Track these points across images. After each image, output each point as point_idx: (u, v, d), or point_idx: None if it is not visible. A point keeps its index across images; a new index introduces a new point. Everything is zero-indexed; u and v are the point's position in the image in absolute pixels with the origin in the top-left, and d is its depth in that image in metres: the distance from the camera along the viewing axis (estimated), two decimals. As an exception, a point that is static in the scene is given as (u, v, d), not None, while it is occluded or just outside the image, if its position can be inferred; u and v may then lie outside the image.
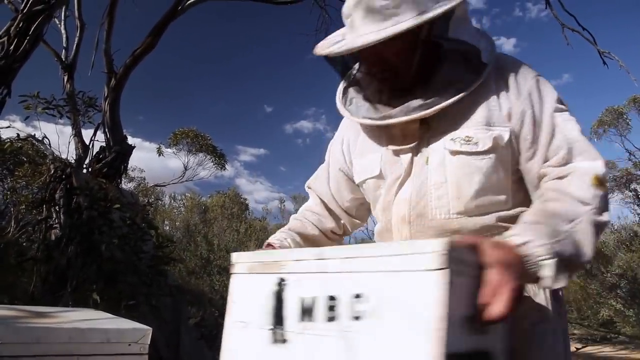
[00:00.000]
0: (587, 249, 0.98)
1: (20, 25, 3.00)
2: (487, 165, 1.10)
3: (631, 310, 4.29)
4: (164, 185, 11.89)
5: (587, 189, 1.03)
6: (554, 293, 1.13)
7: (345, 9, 1.15)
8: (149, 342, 1.19)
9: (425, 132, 1.16)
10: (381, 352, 0.81)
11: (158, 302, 3.96)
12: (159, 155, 10.44)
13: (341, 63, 1.28)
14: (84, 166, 5.19)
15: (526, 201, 1.15)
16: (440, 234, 1.11)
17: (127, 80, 5.37)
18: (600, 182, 1.04)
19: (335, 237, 1.50)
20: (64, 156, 5.61)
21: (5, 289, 3.85)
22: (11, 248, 4.45)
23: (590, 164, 1.07)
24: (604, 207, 1.03)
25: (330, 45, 1.18)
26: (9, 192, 6.56)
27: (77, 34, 5.89)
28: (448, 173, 1.12)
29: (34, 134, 5.45)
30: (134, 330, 1.17)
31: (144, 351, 1.17)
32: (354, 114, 1.23)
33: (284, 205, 19.29)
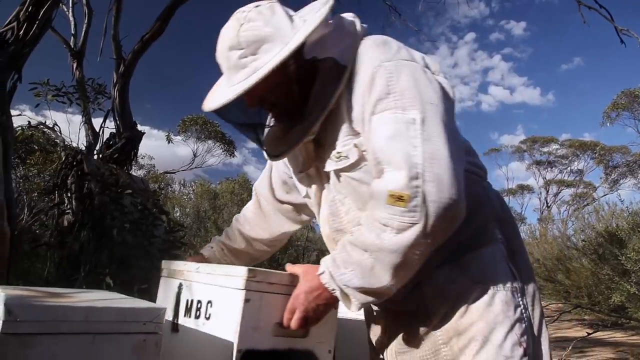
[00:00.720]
0: (381, 276, 1.00)
1: (29, 10, 2.99)
2: (362, 175, 1.12)
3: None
4: (174, 172, 11.97)
5: (382, 210, 0.99)
6: (513, 256, 1.17)
7: (217, 58, 1.21)
8: (163, 322, 1.19)
9: (322, 152, 1.19)
10: (215, 347, 1.19)
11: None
12: (169, 142, 10.47)
13: (232, 111, 1.29)
14: (95, 152, 5.21)
15: None
16: None
17: (136, 66, 5.35)
18: (397, 197, 0.97)
19: (262, 248, 1.67)
20: (74, 144, 5.65)
21: (20, 275, 3.90)
22: (25, 235, 4.50)
23: (389, 178, 1.00)
24: (401, 225, 0.96)
25: (208, 99, 1.24)
26: (21, 180, 6.63)
27: (85, 21, 5.88)
28: (343, 189, 1.17)
29: (45, 122, 5.48)
30: (150, 310, 1.17)
31: (159, 330, 1.17)
32: (266, 153, 1.32)
33: (293, 192, 19.30)
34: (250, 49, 1.09)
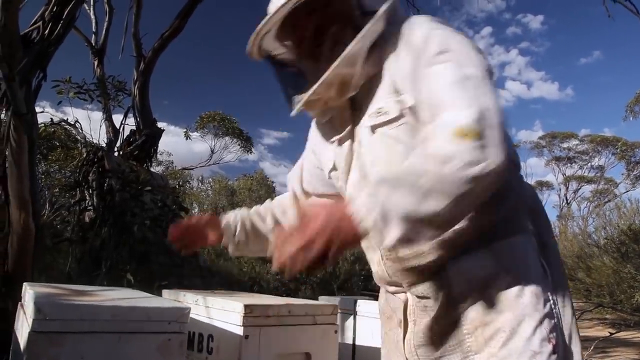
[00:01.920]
0: (437, 203, 0.90)
1: (54, 10, 3.03)
2: (401, 132, 1.06)
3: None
4: (192, 169, 12.06)
5: (445, 145, 0.92)
6: (544, 249, 1.11)
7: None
8: (187, 321, 1.20)
9: (357, 116, 1.14)
10: None
11: (189, 283, 4.03)
12: (187, 138, 10.56)
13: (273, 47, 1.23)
14: (115, 149, 5.28)
15: None
16: None
17: (155, 63, 5.41)
18: (464, 134, 0.92)
19: None
20: (95, 141, 5.74)
21: (43, 270, 3.98)
22: (47, 230, 4.59)
23: (452, 116, 0.95)
24: (469, 159, 0.90)
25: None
26: (43, 176, 6.76)
27: (107, 19, 5.95)
28: (376, 149, 1.10)
29: (66, 119, 5.57)
30: (174, 309, 1.18)
31: (183, 330, 1.18)
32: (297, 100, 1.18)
33: (309, 188, 19.33)
34: None
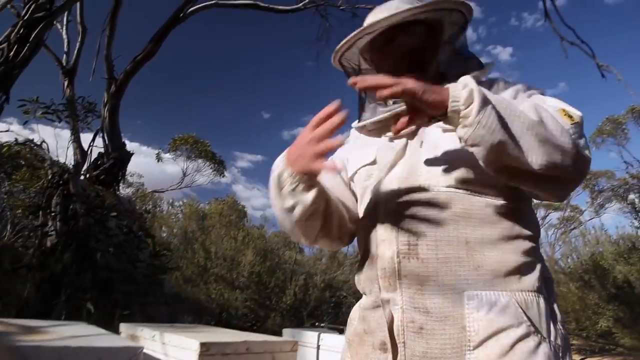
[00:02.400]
0: (527, 137, 0.93)
1: (20, 32, 2.99)
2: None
3: (629, 320, 4.27)
4: (163, 192, 11.88)
5: (559, 118, 0.97)
6: (546, 303, 1.02)
7: (366, 23, 1.17)
8: (141, 361, 1.16)
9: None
10: None
11: (153, 311, 3.92)
12: (158, 161, 10.44)
13: (354, 61, 1.25)
14: (82, 172, 5.17)
15: (523, 201, 1.08)
16: (428, 204, 1.03)
17: (127, 86, 5.36)
18: (569, 115, 0.98)
19: (342, 221, 1.25)
20: (62, 160, 5.60)
21: (1, 295, 3.82)
22: (7, 252, 4.42)
23: (557, 102, 1.03)
24: (572, 133, 0.94)
25: (378, 14, 1.17)
26: (6, 196, 6.54)
27: (79, 39, 5.89)
28: (440, 149, 1.08)
29: (33, 138, 5.43)
30: (126, 349, 1.15)
31: (135, 371, 1.14)
32: (366, 118, 1.20)
33: (283, 213, 19.23)
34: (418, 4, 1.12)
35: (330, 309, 6.74)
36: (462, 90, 0.92)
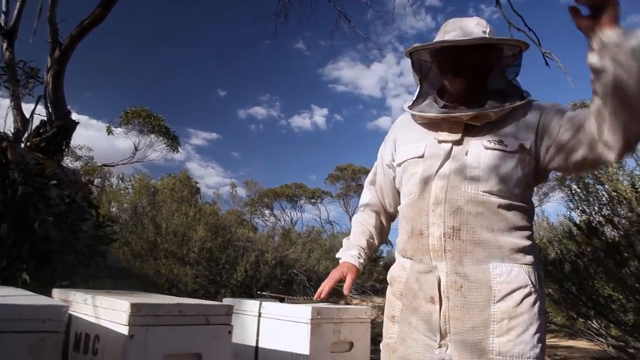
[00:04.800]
0: None
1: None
2: (512, 161, 1.45)
3: (559, 298, 4.57)
4: (113, 166, 11.49)
5: None
6: (537, 272, 1.48)
7: (445, 30, 1.55)
8: (65, 320, 1.14)
9: (466, 132, 1.50)
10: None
11: (96, 284, 3.82)
12: (109, 134, 10.06)
13: (427, 63, 1.62)
14: (22, 140, 4.91)
15: (529, 202, 1.49)
16: (469, 202, 1.43)
17: (72, 52, 5.10)
18: None
19: (386, 235, 1.87)
20: (0, 130, 5.29)
21: None
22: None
23: None
24: None
25: (435, 43, 1.53)
26: (-61, 165, 6.12)
27: (20, -1, 5.54)
28: (482, 162, 1.45)
29: (-33, 104, 5.10)
30: (49, 307, 1.12)
31: (59, 329, 1.12)
32: (425, 110, 1.56)
33: (236, 191, 19.06)
34: (488, 30, 1.50)
35: (280, 286, 6.80)
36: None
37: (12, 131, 5.21)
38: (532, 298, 1.40)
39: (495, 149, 1.45)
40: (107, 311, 1.28)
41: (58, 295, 1.62)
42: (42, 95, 5.06)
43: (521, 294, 1.39)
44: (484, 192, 1.42)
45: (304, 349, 1.65)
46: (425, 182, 1.49)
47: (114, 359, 1.23)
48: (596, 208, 4.40)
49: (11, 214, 3.62)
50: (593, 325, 4.79)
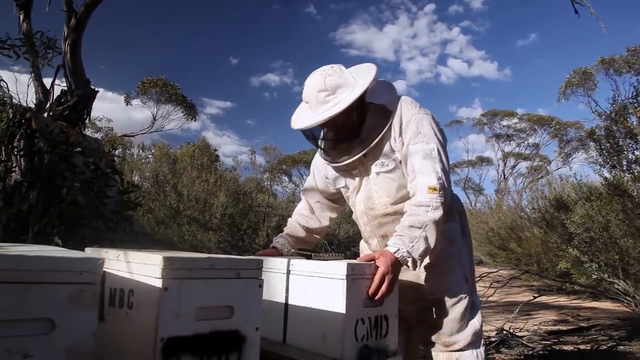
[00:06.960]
0: (433, 239, 1.75)
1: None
2: (395, 176, 1.96)
3: (586, 257, 4.51)
4: (133, 136, 11.61)
5: (424, 197, 1.79)
6: (463, 229, 2.09)
7: (304, 97, 1.94)
8: (102, 272, 1.16)
9: (365, 162, 2.01)
10: (138, 336, 1.26)
11: (124, 249, 3.90)
12: (127, 104, 10.13)
13: (310, 131, 2.05)
14: (45, 111, 4.96)
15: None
16: (383, 216, 2.03)
17: (88, 20, 5.07)
18: (432, 189, 1.79)
19: (317, 234, 2.38)
20: (22, 102, 5.35)
21: (-35, 235, 3.73)
22: (-30, 194, 4.28)
23: (424, 179, 1.81)
24: (437, 205, 1.77)
25: (299, 121, 1.97)
26: (-34, 138, 6.26)
27: (33, -32, 5.48)
28: (379, 184, 2.00)
29: (-11, 77, 5.14)
30: (86, 260, 1.14)
31: (96, 281, 1.14)
32: (328, 160, 2.08)
33: (255, 157, 19.10)
34: (331, 91, 1.85)
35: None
36: (404, 251, 1.72)
37: (35, 102, 5.27)
38: (451, 248, 2.02)
39: (381, 172, 1.96)
40: (140, 266, 1.29)
41: (91, 252, 1.64)
42: (61, 65, 5.08)
43: (440, 246, 1.93)
44: (389, 205, 1.99)
45: (339, 304, 1.66)
46: (353, 206, 2.15)
47: (149, 312, 1.25)
48: (624, 165, 4.30)
49: (39, 182, 3.70)
50: (619, 285, 4.75)
